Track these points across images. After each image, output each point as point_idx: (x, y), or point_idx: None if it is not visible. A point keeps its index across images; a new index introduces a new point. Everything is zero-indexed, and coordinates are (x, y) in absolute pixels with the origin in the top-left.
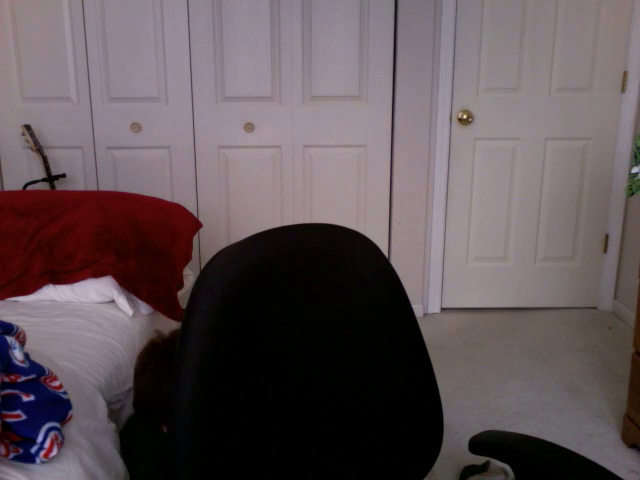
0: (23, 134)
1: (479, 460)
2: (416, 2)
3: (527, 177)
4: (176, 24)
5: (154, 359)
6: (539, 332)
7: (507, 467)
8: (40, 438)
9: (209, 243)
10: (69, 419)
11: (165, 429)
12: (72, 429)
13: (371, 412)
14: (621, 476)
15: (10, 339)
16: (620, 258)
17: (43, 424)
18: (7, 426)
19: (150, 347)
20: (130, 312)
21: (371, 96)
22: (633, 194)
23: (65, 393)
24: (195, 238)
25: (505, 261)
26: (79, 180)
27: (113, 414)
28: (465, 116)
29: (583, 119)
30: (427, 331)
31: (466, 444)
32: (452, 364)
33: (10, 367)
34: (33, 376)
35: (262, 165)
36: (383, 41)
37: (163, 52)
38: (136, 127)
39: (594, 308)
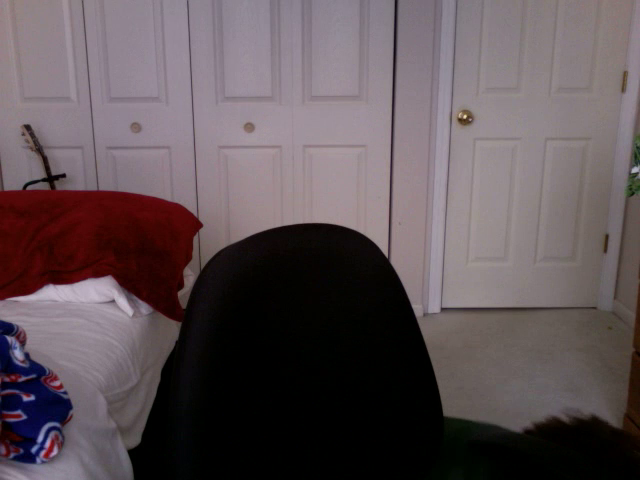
0: (23, 134)
1: None
2: (416, 2)
3: (527, 177)
4: (176, 24)
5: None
6: (539, 332)
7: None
8: (40, 438)
9: (209, 243)
10: (69, 419)
11: None
12: (72, 429)
13: (371, 412)
14: None
15: (10, 339)
16: (620, 258)
17: (43, 424)
18: (7, 426)
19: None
20: (130, 312)
21: (371, 96)
22: (633, 194)
23: (65, 393)
24: (195, 238)
25: (505, 261)
26: (79, 180)
27: (114, 413)
28: (465, 116)
29: (583, 119)
30: (427, 331)
31: None
32: (452, 364)
33: (10, 367)
34: (33, 376)
35: (262, 165)
36: (383, 41)
37: (163, 52)
38: (136, 127)
39: (594, 308)
